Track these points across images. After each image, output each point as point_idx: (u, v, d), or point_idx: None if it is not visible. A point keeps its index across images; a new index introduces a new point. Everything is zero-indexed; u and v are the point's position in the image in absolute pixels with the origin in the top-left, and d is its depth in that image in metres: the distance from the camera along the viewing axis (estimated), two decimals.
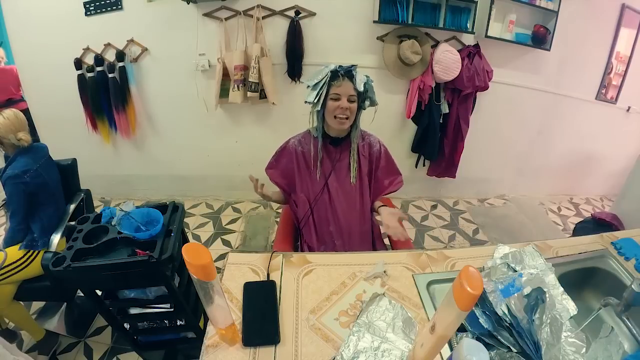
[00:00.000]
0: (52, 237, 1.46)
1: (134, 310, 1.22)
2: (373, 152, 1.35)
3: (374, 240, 1.40)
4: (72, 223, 1.39)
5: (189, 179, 2.75)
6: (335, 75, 1.18)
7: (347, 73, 1.19)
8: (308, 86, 1.22)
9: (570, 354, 0.62)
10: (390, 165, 1.38)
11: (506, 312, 0.69)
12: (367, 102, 1.24)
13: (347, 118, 1.20)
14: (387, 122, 2.55)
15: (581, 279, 1.05)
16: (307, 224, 1.35)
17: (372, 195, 1.37)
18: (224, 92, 2.26)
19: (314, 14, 2.15)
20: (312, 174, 1.32)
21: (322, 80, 1.18)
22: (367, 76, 1.21)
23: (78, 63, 2.19)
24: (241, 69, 2.14)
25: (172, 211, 1.23)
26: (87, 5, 2.10)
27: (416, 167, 2.78)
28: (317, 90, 1.19)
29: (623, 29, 2.59)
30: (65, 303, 1.76)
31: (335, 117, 1.20)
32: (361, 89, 1.18)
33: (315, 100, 1.20)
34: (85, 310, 1.76)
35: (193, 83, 2.30)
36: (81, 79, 2.24)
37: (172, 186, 2.76)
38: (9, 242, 1.44)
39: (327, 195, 1.32)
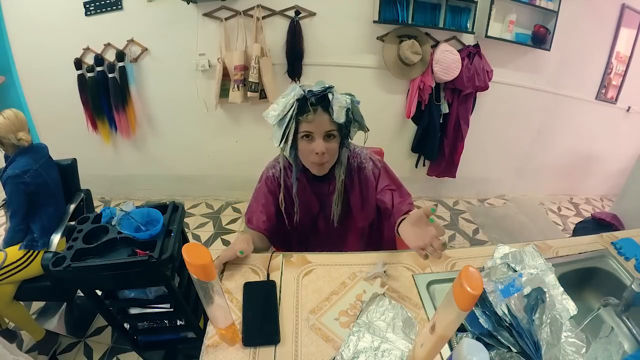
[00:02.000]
0: (52, 237, 1.47)
1: (134, 310, 1.22)
2: (364, 175, 1.07)
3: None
4: (72, 223, 1.39)
5: (189, 179, 2.75)
6: (303, 106, 0.88)
7: (320, 101, 0.89)
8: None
9: (570, 354, 0.62)
10: (396, 184, 1.09)
11: (506, 312, 0.69)
12: (353, 130, 0.98)
13: (325, 162, 0.95)
14: (387, 122, 2.55)
15: (581, 279, 1.05)
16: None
17: (383, 220, 1.12)
18: (224, 92, 2.26)
19: (314, 14, 2.15)
20: (297, 214, 1.08)
21: (286, 114, 0.89)
22: (350, 96, 0.92)
23: (78, 63, 2.19)
24: (241, 69, 2.14)
25: (172, 211, 1.23)
26: (87, 5, 2.10)
27: (416, 167, 2.78)
28: (283, 128, 0.90)
29: (623, 29, 2.59)
30: (65, 303, 1.76)
31: (310, 161, 0.96)
32: (342, 119, 0.88)
33: (282, 144, 0.92)
34: (85, 310, 1.76)
35: (193, 83, 2.30)
36: (81, 79, 2.24)
37: (172, 186, 2.76)
38: (9, 242, 1.44)
39: (316, 236, 1.13)
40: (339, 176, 1.02)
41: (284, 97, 0.91)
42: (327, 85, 0.91)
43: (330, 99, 0.89)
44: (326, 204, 1.08)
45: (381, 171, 1.08)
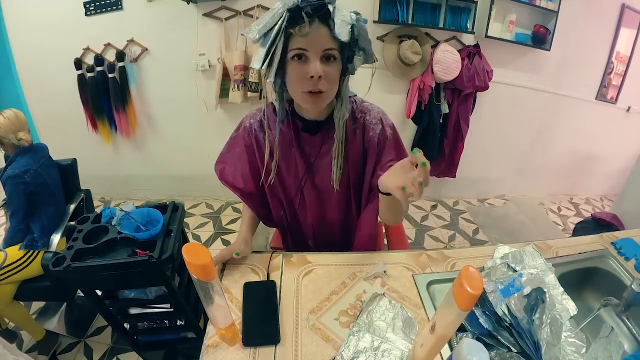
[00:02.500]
0: (52, 237, 1.47)
1: (134, 310, 1.22)
2: (371, 137, 0.87)
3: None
4: (72, 223, 1.39)
5: (189, 179, 2.75)
6: (296, 15, 0.68)
7: (318, 9, 0.68)
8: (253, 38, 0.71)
9: (570, 354, 0.63)
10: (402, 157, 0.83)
11: (506, 312, 0.69)
12: (358, 58, 0.77)
13: (321, 92, 0.73)
14: None
15: (581, 279, 1.05)
16: (285, 230, 1.07)
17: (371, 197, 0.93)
18: (224, 92, 2.26)
19: None
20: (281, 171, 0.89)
21: (274, 27, 0.69)
22: (355, 13, 0.73)
23: (78, 63, 2.19)
24: (241, 69, 2.14)
25: (172, 211, 1.23)
26: (87, 5, 2.10)
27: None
28: (267, 46, 0.70)
29: (623, 29, 2.59)
30: (65, 303, 1.77)
31: (302, 91, 0.73)
32: (345, 37, 0.70)
33: (265, 66, 0.72)
34: (85, 310, 1.76)
35: (193, 83, 2.30)
36: (81, 79, 2.24)
37: (172, 186, 2.76)
38: (9, 242, 1.44)
39: (302, 202, 0.96)
40: (340, 118, 0.80)
41: (272, 10, 0.70)
42: None
43: (331, 9, 0.70)
44: (315, 165, 0.89)
45: (389, 139, 0.87)
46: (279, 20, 0.69)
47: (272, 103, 0.85)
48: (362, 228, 0.99)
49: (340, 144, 0.83)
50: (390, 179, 0.67)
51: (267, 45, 0.70)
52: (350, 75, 0.81)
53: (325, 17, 0.70)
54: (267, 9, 2.03)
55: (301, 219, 1.02)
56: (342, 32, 0.69)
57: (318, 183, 0.92)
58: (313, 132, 0.85)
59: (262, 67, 0.72)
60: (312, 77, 0.70)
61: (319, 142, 0.87)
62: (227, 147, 0.98)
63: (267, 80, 0.75)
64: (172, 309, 1.20)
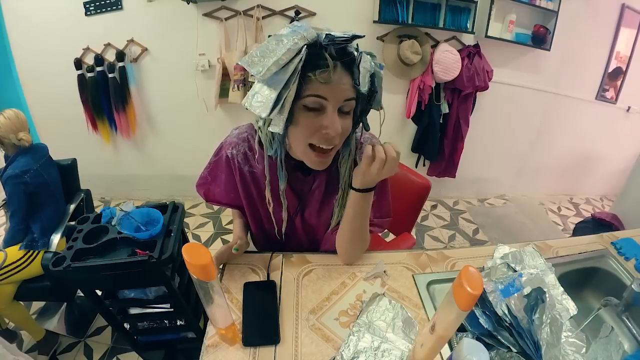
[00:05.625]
0: (52, 237, 1.46)
1: (134, 310, 1.22)
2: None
3: None
4: (72, 223, 1.39)
5: (189, 179, 2.71)
6: (316, 57, 0.59)
7: (341, 54, 0.61)
8: (257, 75, 0.58)
9: (570, 354, 0.62)
10: (382, 197, 0.88)
11: (506, 312, 0.69)
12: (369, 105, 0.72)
13: (332, 148, 0.68)
14: (387, 122, 2.53)
15: (581, 279, 1.05)
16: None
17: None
18: (224, 92, 2.26)
19: (314, 14, 2.15)
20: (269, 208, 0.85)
21: (288, 64, 0.57)
22: (371, 55, 0.68)
23: (78, 63, 2.19)
24: (241, 69, 2.14)
25: (172, 211, 1.23)
26: (87, 5, 2.10)
27: (416, 167, 2.78)
28: (280, 86, 0.58)
29: (623, 29, 2.60)
30: (65, 303, 1.77)
31: (311, 145, 0.66)
32: (365, 87, 0.65)
33: (275, 113, 0.60)
34: (85, 310, 1.77)
35: (193, 83, 2.30)
36: (81, 79, 2.24)
37: (172, 186, 2.76)
38: (9, 242, 1.44)
39: (292, 232, 0.95)
40: (346, 168, 0.77)
41: (281, 40, 0.57)
42: (353, 33, 0.60)
43: (356, 54, 0.63)
44: (308, 200, 0.86)
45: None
46: (295, 58, 0.57)
47: (261, 139, 0.78)
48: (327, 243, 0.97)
49: (344, 194, 0.80)
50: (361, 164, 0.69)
51: (280, 88, 0.58)
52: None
53: (350, 62, 0.63)
54: (267, 9, 2.08)
55: (288, 244, 0.99)
56: (363, 82, 0.64)
57: (307, 218, 0.91)
58: (306, 172, 0.80)
59: (270, 114, 0.60)
60: (326, 135, 0.64)
61: (310, 180, 0.83)
62: (208, 171, 0.90)
63: (271, 130, 0.64)
64: (172, 309, 1.21)
